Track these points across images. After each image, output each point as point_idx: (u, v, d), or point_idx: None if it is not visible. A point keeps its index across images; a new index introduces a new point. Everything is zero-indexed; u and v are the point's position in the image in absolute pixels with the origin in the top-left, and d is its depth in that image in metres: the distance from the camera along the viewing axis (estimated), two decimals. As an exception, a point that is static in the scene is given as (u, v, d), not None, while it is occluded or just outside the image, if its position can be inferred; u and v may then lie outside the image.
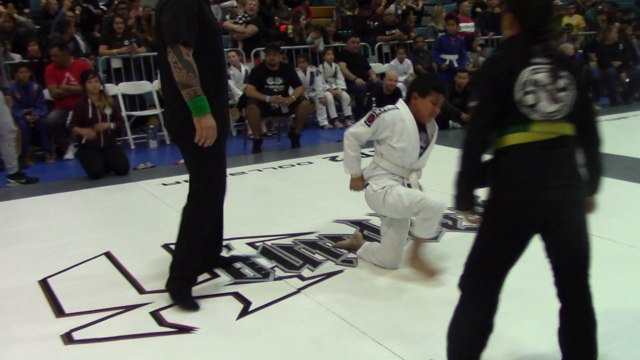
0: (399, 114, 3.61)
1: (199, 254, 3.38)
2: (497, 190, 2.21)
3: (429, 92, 3.57)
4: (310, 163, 6.83)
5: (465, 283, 2.32)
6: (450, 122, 8.81)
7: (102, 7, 11.52)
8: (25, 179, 6.44)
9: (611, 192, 5.19)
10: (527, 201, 2.16)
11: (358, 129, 3.68)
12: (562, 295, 2.29)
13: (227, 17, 11.88)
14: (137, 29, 9.89)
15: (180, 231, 3.35)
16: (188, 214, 3.35)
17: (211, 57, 3.14)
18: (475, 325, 2.30)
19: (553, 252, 2.26)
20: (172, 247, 4.18)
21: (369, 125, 3.63)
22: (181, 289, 3.33)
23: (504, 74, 2.13)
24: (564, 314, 2.30)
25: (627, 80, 10.96)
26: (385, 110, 3.63)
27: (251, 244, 4.19)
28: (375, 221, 4.51)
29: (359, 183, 3.77)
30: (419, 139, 3.63)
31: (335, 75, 9.63)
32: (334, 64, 9.64)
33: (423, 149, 3.68)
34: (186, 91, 2.97)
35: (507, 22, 2.24)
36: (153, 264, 3.93)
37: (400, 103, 3.70)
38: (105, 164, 6.53)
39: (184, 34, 2.95)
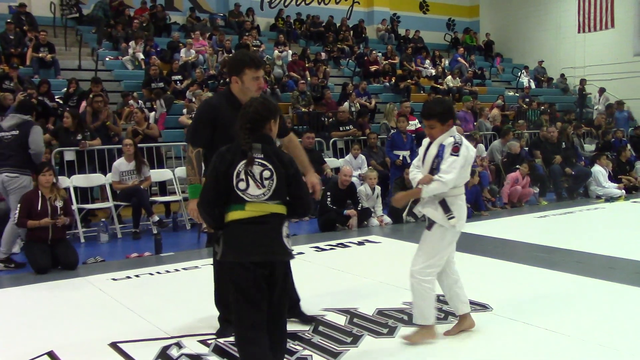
0: None
1: None
2: (223, 254, 2.96)
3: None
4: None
5: (235, 341, 3.00)
6: (404, 216, 8.93)
7: (57, 100, 11.59)
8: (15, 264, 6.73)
9: (562, 286, 5.31)
10: (242, 262, 2.91)
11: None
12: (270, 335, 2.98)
13: (184, 111, 12.08)
14: (112, 121, 9.97)
15: None
16: None
17: None
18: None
19: (271, 303, 2.97)
20: (121, 345, 4.03)
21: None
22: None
23: (225, 166, 2.94)
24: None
25: (572, 173, 11.36)
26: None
27: (203, 342, 4.05)
28: (331, 317, 4.45)
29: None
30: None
31: (290, 170, 9.75)
32: (289, 159, 9.79)
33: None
34: (186, 179, 4.02)
35: None
36: (99, 364, 3.75)
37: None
38: (53, 259, 6.34)
39: (189, 135, 4.06)
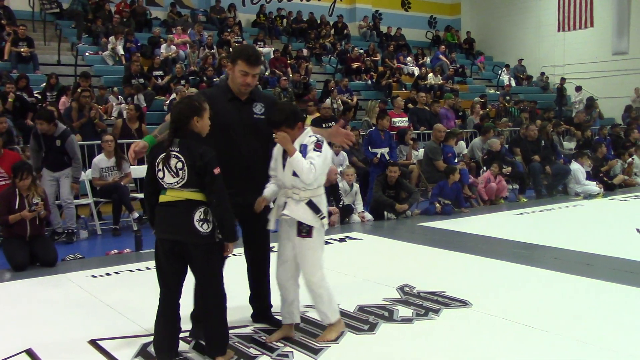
0: None
1: None
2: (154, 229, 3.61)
3: None
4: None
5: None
6: (385, 213, 8.97)
7: (36, 95, 11.45)
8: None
9: (541, 282, 5.37)
10: (159, 238, 3.55)
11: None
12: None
13: (165, 108, 12.00)
14: (99, 117, 9.88)
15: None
16: None
17: (218, 143, 3.74)
18: (167, 322, 3.60)
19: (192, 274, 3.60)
20: (100, 342, 4.01)
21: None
22: None
23: (151, 158, 3.54)
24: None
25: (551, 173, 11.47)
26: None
27: (183, 339, 4.04)
28: (312, 313, 4.45)
29: None
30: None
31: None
32: (271, 155, 9.77)
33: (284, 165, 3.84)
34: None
35: None
36: (78, 362, 3.72)
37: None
38: (32, 255, 6.27)
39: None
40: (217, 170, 3.43)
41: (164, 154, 3.44)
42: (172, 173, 3.42)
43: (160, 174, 3.46)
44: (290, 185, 3.81)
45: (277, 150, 3.91)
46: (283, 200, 3.86)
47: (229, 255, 3.65)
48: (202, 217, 3.44)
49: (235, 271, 4.23)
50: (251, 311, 4.41)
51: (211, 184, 3.43)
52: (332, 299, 3.94)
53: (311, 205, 3.80)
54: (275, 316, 4.25)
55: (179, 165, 3.40)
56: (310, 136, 3.85)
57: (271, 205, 4.03)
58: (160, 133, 3.80)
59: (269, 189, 3.95)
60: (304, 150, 3.77)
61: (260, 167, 4.01)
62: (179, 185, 3.43)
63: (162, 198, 3.50)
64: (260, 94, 4.24)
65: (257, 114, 4.06)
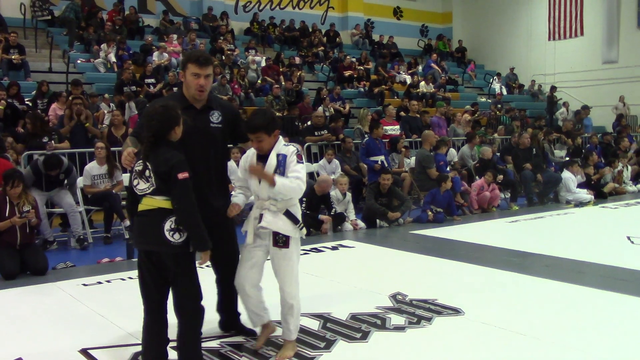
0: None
1: None
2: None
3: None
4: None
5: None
6: (378, 220, 8.98)
7: (27, 102, 11.41)
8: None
9: (533, 290, 5.38)
10: (139, 249, 3.53)
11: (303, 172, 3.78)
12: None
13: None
14: (92, 124, 9.87)
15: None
16: None
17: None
18: (153, 334, 3.52)
19: (170, 286, 3.49)
20: (91, 351, 3.98)
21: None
22: None
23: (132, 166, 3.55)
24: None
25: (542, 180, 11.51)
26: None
27: (174, 348, 4.02)
28: (304, 321, 4.44)
29: None
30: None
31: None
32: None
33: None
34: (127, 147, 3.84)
35: None
36: (69, 371, 3.69)
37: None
38: (22, 264, 6.23)
39: (133, 130, 4.03)
40: (181, 175, 3.33)
41: (142, 162, 3.41)
42: (144, 179, 3.40)
43: (134, 182, 3.44)
44: (266, 196, 3.74)
45: (246, 163, 3.86)
46: (258, 212, 3.79)
47: (202, 266, 3.51)
48: (172, 226, 3.35)
49: (207, 279, 4.20)
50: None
51: (173, 190, 3.35)
52: (299, 314, 3.88)
53: (289, 215, 3.76)
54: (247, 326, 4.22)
55: (148, 172, 3.39)
56: (285, 145, 3.81)
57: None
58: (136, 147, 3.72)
59: (238, 197, 3.92)
60: (283, 161, 3.72)
61: (216, 177, 3.95)
62: (149, 191, 3.39)
63: (139, 207, 3.45)
64: (218, 102, 4.13)
65: (213, 122, 3.94)
